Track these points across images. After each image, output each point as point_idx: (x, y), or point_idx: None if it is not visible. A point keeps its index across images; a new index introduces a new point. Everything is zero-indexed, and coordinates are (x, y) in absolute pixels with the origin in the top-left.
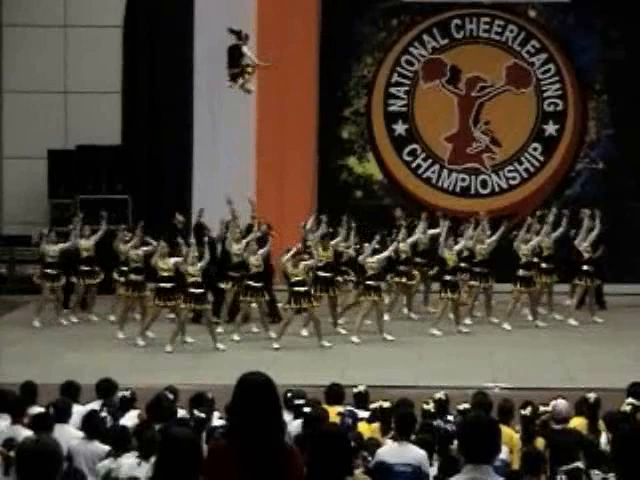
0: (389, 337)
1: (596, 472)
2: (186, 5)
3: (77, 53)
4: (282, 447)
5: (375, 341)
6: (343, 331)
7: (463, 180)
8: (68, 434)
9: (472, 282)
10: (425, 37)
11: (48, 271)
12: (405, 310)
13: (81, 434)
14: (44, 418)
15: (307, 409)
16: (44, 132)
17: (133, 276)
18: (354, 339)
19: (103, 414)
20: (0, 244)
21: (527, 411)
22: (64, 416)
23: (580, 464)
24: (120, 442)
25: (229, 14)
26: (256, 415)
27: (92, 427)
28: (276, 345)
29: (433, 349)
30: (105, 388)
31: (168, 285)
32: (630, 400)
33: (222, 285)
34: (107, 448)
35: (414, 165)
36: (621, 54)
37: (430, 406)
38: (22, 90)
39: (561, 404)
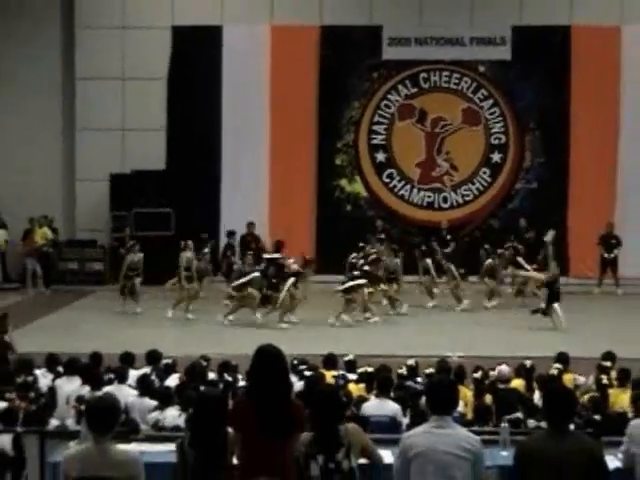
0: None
1: (531, 421)
2: (216, 61)
3: (133, 98)
4: (289, 401)
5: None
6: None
7: (429, 197)
8: (126, 392)
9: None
10: (399, 87)
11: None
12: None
13: (135, 392)
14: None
15: (308, 373)
16: (107, 160)
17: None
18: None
19: (152, 377)
20: (74, 246)
21: (478, 374)
22: (122, 378)
23: (519, 415)
24: (165, 398)
25: (249, 68)
26: (269, 377)
27: (144, 387)
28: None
29: (407, 327)
30: (153, 356)
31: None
32: (557, 365)
33: None
34: (155, 403)
35: (391, 185)
36: (550, 100)
37: (403, 370)
38: (90, 128)
39: (504, 368)
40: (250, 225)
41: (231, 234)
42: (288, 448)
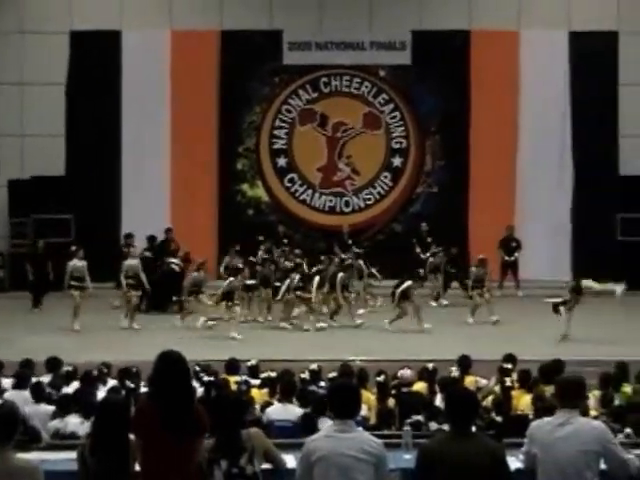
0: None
1: (433, 423)
2: (115, 66)
3: (31, 104)
4: (193, 406)
5: (263, 327)
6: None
7: (331, 201)
8: (24, 398)
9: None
10: (300, 91)
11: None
12: None
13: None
14: None
15: (209, 378)
16: (5, 166)
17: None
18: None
19: (46, 384)
20: None
21: (381, 378)
22: (22, 384)
23: (420, 418)
24: (63, 405)
25: (149, 73)
26: (173, 382)
27: (38, 394)
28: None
29: (309, 331)
30: (53, 364)
31: None
32: (457, 368)
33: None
34: (52, 408)
35: (293, 190)
36: (450, 104)
37: (306, 375)
38: None
39: (407, 372)
40: (169, 231)
41: (152, 239)
42: (193, 452)
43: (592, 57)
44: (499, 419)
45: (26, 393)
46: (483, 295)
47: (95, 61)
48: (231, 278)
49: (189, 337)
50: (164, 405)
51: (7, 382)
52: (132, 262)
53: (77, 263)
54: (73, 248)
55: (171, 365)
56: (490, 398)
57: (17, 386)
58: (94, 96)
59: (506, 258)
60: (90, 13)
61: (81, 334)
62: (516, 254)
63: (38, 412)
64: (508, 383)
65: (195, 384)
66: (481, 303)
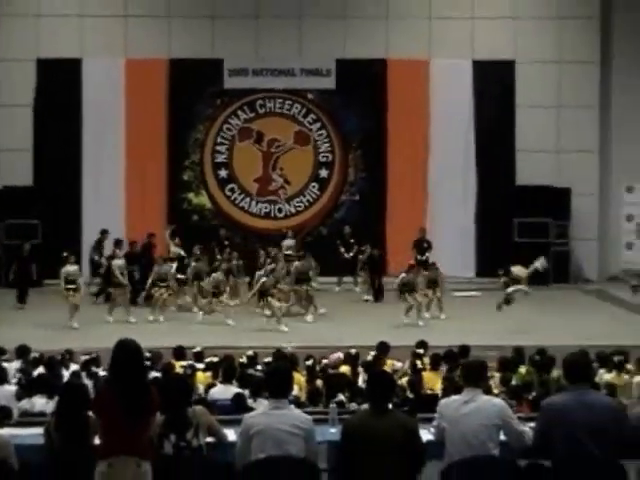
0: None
1: (354, 404)
2: (77, 89)
3: (2, 124)
4: (147, 387)
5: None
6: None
7: (266, 208)
8: None
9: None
10: (239, 112)
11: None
12: None
13: None
14: None
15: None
16: None
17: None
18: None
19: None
20: None
21: (310, 362)
22: None
23: (342, 398)
24: (30, 387)
25: (106, 96)
26: (129, 367)
27: (2, 376)
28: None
29: (249, 322)
30: (22, 350)
31: None
32: (374, 353)
33: None
34: (14, 388)
35: (233, 198)
36: (370, 123)
37: (244, 359)
38: None
39: (334, 356)
40: (151, 236)
41: (104, 232)
42: (146, 428)
43: (492, 83)
44: (412, 396)
45: None
46: (415, 297)
47: (59, 85)
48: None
49: (144, 327)
50: (121, 388)
51: None
52: (119, 262)
53: (69, 268)
54: (65, 254)
55: (127, 352)
56: (405, 379)
57: None
58: (58, 116)
59: (418, 257)
60: (54, 43)
61: (47, 325)
62: (427, 254)
63: (3, 392)
64: (420, 366)
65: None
66: (413, 304)
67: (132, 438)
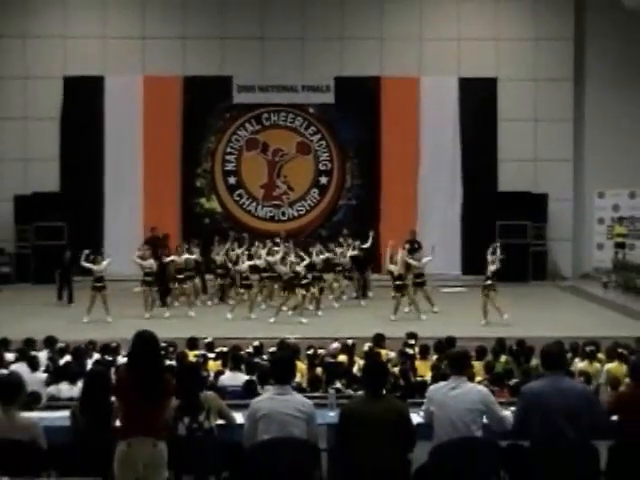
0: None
1: (350, 390)
2: (100, 104)
3: (32, 134)
4: (162, 374)
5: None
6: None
7: (271, 212)
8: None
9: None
10: (246, 124)
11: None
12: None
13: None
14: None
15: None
16: (12, 184)
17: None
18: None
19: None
20: None
21: (310, 351)
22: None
23: (339, 385)
24: (58, 375)
25: (126, 110)
26: (146, 355)
27: (34, 365)
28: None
29: (254, 315)
30: (50, 341)
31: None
32: (370, 344)
33: None
34: (45, 376)
35: (241, 202)
36: (365, 135)
37: (250, 349)
38: None
39: (333, 346)
40: (154, 229)
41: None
42: (161, 411)
43: (476, 98)
44: (403, 383)
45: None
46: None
47: (83, 100)
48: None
49: (160, 320)
50: (139, 374)
51: (10, 356)
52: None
53: (97, 267)
54: (92, 256)
55: (144, 341)
56: (397, 367)
57: (21, 359)
58: (82, 128)
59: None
60: (79, 62)
61: (70, 318)
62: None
63: (34, 379)
64: (410, 355)
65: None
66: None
67: (149, 420)
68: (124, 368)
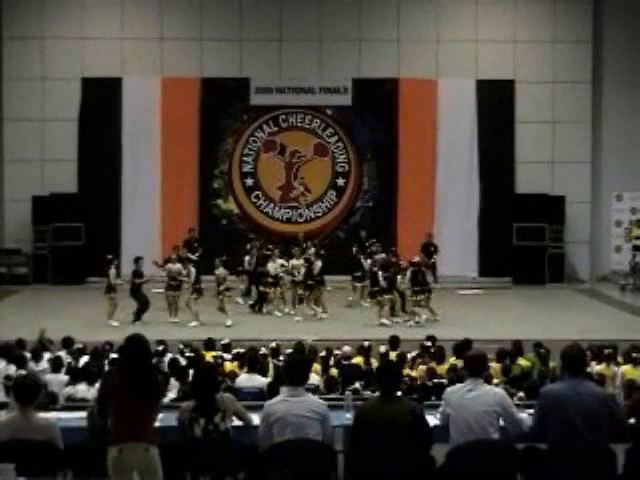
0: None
1: (367, 391)
2: (118, 105)
3: (50, 135)
4: (152, 376)
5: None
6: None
7: (288, 213)
8: (44, 370)
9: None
10: (264, 126)
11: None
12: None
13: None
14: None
15: (190, 353)
16: (30, 185)
17: None
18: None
19: (63, 358)
20: (2, 254)
21: (324, 353)
22: (40, 358)
23: (357, 386)
24: (75, 375)
25: (144, 111)
26: (137, 358)
27: (57, 365)
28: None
29: (270, 317)
30: (67, 342)
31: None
32: (386, 347)
33: None
34: (67, 377)
35: (258, 204)
36: (382, 136)
37: (267, 351)
38: (17, 159)
39: (347, 348)
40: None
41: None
42: (153, 415)
43: (494, 100)
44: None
45: (44, 365)
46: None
47: (101, 102)
48: None
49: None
50: (129, 376)
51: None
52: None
53: (113, 271)
54: (109, 256)
55: (136, 345)
56: (414, 369)
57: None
58: (100, 129)
59: (426, 260)
60: (97, 63)
61: (87, 319)
62: (435, 257)
63: (56, 380)
64: (427, 357)
65: (180, 358)
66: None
67: (140, 424)
68: (115, 370)
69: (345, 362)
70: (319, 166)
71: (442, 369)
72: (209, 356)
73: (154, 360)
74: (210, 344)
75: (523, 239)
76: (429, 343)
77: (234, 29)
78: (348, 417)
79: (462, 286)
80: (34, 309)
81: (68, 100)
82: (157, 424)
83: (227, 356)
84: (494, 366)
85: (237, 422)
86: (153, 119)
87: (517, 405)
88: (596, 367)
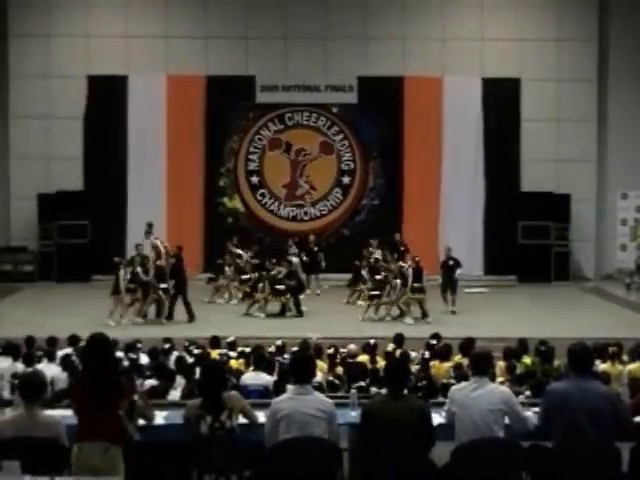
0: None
1: (374, 388)
2: (123, 103)
3: (56, 133)
4: (115, 377)
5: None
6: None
7: (293, 211)
8: (53, 368)
9: None
10: (269, 124)
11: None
12: None
13: (59, 368)
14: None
15: (197, 351)
16: (36, 182)
17: None
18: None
19: (72, 357)
20: (9, 251)
21: (331, 350)
22: (51, 357)
23: (363, 383)
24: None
25: (150, 109)
26: (98, 358)
27: (66, 364)
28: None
29: (275, 315)
30: (73, 339)
31: None
32: (392, 345)
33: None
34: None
35: (263, 202)
36: (388, 134)
37: (272, 349)
38: (22, 157)
39: (353, 346)
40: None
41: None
42: (114, 415)
43: (499, 99)
44: (424, 383)
45: (53, 364)
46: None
47: (107, 99)
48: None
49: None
50: (89, 376)
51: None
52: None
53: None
54: (117, 259)
55: (96, 345)
56: (418, 367)
57: (48, 357)
58: (106, 127)
59: (447, 279)
60: (103, 61)
61: (92, 317)
62: (458, 271)
63: (65, 378)
64: (427, 355)
65: (187, 355)
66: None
67: (101, 424)
68: (80, 372)
69: (350, 360)
70: (324, 164)
71: (447, 367)
72: (215, 354)
73: (160, 358)
74: (215, 342)
75: (528, 237)
76: (434, 341)
77: (239, 27)
78: (353, 415)
79: (467, 284)
80: (39, 306)
81: (74, 98)
82: (162, 422)
83: (232, 354)
84: (500, 364)
85: (243, 420)
86: (158, 117)
87: (522, 403)
88: (601, 365)
